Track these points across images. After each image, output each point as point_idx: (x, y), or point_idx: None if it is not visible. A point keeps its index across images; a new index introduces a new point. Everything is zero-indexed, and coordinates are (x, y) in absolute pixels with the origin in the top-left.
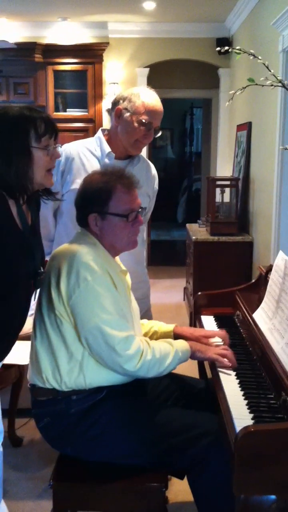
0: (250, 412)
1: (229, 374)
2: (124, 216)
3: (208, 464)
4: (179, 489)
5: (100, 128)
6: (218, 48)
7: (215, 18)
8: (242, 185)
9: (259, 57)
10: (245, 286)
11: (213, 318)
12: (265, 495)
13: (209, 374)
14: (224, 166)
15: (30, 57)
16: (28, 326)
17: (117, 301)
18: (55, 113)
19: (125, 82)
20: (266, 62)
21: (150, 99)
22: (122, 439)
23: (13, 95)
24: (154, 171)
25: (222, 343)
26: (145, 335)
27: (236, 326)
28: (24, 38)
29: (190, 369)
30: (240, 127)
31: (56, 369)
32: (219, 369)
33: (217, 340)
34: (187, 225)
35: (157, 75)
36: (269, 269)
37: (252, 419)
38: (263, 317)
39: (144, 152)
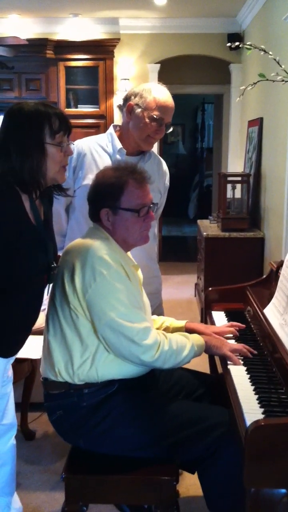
0: (260, 407)
1: (240, 369)
2: (135, 211)
3: (219, 457)
4: (190, 483)
5: (112, 124)
6: (229, 44)
7: (227, 13)
8: (253, 181)
9: (270, 52)
10: (256, 281)
11: (224, 314)
12: (275, 489)
13: (219, 368)
14: (235, 162)
15: (41, 53)
16: (40, 321)
17: (133, 293)
18: (66, 109)
19: (136, 78)
20: (277, 57)
21: (162, 94)
22: (134, 431)
23: (25, 91)
24: (165, 167)
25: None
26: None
27: (247, 321)
28: (35, 35)
29: (201, 363)
30: (251, 123)
31: (69, 362)
32: (230, 364)
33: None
34: (198, 221)
35: (168, 71)
36: (280, 264)
37: (262, 413)
38: (274, 313)
39: (155, 148)
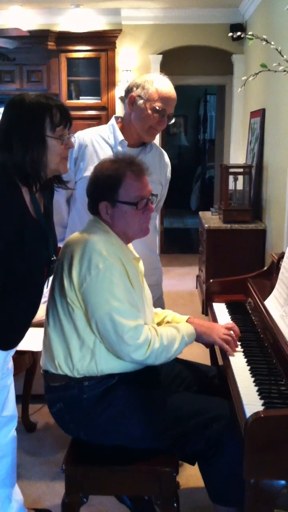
0: (260, 399)
1: (240, 361)
2: (133, 204)
3: (221, 448)
4: (190, 474)
5: (114, 116)
6: (231, 34)
7: (229, 4)
8: (255, 172)
9: (272, 42)
10: (257, 273)
11: (225, 305)
12: (275, 480)
13: (220, 361)
14: (237, 153)
15: (43, 44)
16: (41, 313)
17: (128, 289)
18: (68, 100)
19: (138, 69)
20: (279, 47)
21: (164, 85)
22: (135, 423)
23: (27, 83)
24: (167, 159)
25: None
26: (158, 325)
27: (248, 313)
28: (37, 26)
29: (202, 356)
30: (254, 114)
31: (69, 356)
32: (230, 356)
33: None
34: (200, 212)
35: (171, 62)
36: (281, 256)
37: (262, 405)
38: (275, 304)
39: (157, 140)
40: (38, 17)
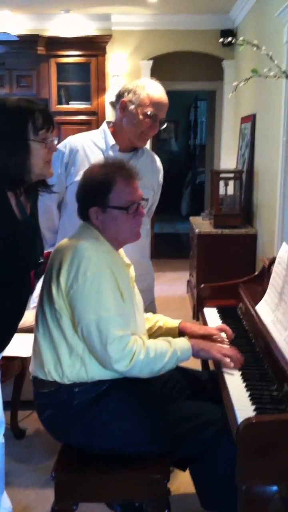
0: (252, 404)
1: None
2: (124, 209)
3: (213, 454)
4: (182, 481)
5: (105, 121)
6: (222, 39)
7: (220, 9)
8: (246, 177)
9: (263, 48)
10: (248, 278)
11: (216, 310)
12: (267, 486)
13: (211, 365)
14: (228, 158)
15: (33, 49)
16: (31, 318)
17: (117, 298)
18: (58, 105)
19: (128, 75)
20: (270, 52)
21: (155, 91)
22: (127, 428)
23: (16, 87)
24: (159, 163)
25: (226, 338)
26: (150, 330)
27: (239, 318)
28: (27, 31)
29: (192, 360)
30: (244, 119)
31: (58, 363)
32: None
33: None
34: (191, 218)
35: (161, 68)
36: (272, 261)
37: (254, 410)
38: (266, 309)
39: (148, 145)
40: (27, 22)
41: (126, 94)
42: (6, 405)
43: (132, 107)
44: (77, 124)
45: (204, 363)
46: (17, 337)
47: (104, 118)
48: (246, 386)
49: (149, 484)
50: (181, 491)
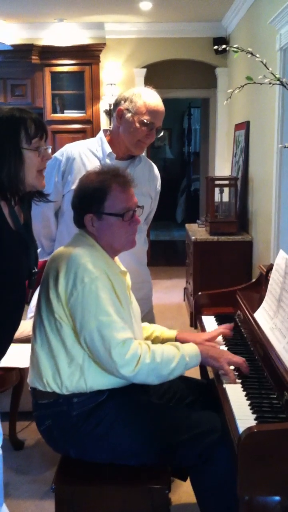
0: (253, 413)
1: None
2: (119, 216)
3: (212, 463)
4: (182, 491)
5: (102, 129)
6: (216, 47)
7: (212, 18)
8: (241, 184)
9: (257, 55)
10: (245, 285)
11: (214, 318)
12: (269, 496)
13: (210, 373)
14: (222, 165)
15: (27, 58)
16: (29, 329)
17: (115, 303)
18: (52, 114)
19: (122, 83)
20: (264, 60)
21: (152, 99)
22: (126, 439)
23: (11, 97)
24: (156, 171)
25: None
26: (146, 339)
27: (237, 325)
28: (21, 40)
29: (191, 369)
30: (238, 126)
31: (57, 373)
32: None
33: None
34: (187, 225)
35: (155, 76)
36: (270, 268)
37: (255, 419)
38: (264, 317)
39: (143, 153)
40: (21, 31)
41: (122, 102)
42: (4, 416)
43: (128, 115)
44: (72, 132)
45: (203, 371)
46: (14, 347)
47: (99, 127)
48: (246, 395)
49: (150, 495)
50: (182, 501)
